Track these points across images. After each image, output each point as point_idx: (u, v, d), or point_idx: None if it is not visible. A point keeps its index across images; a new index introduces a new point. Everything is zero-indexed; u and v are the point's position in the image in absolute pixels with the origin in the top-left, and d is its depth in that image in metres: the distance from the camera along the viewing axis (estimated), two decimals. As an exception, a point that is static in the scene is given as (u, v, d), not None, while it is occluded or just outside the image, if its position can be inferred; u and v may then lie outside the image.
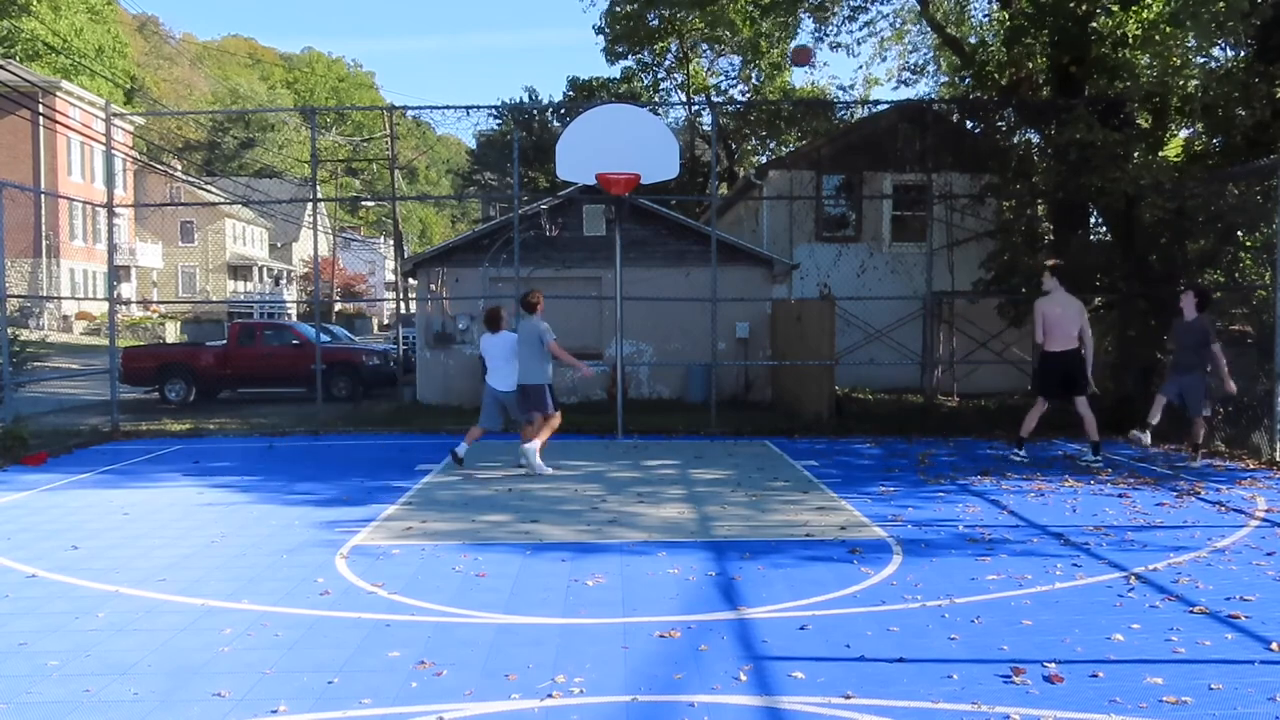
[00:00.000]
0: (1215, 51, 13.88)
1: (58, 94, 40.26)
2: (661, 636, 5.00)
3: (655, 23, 32.74)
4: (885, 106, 18.83)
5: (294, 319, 42.15)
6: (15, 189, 14.20)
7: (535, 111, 38.55)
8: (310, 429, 13.72)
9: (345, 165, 55.42)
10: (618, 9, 32.21)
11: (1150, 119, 14.51)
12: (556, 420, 10.16)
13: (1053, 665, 4.57)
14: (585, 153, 12.28)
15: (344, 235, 66.54)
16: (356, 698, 4.21)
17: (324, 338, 18.58)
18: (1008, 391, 17.31)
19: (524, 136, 32.14)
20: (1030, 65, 16.11)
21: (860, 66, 58.91)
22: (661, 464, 10.77)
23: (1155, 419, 10.37)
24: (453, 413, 15.33)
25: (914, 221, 18.92)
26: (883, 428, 13.44)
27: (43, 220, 40.04)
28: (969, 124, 17.96)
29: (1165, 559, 6.56)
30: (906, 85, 30.68)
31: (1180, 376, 10.30)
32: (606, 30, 34.98)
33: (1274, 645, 4.86)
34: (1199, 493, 8.97)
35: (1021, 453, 10.68)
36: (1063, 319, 10.23)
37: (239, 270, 63.13)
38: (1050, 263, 10.79)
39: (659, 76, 38.06)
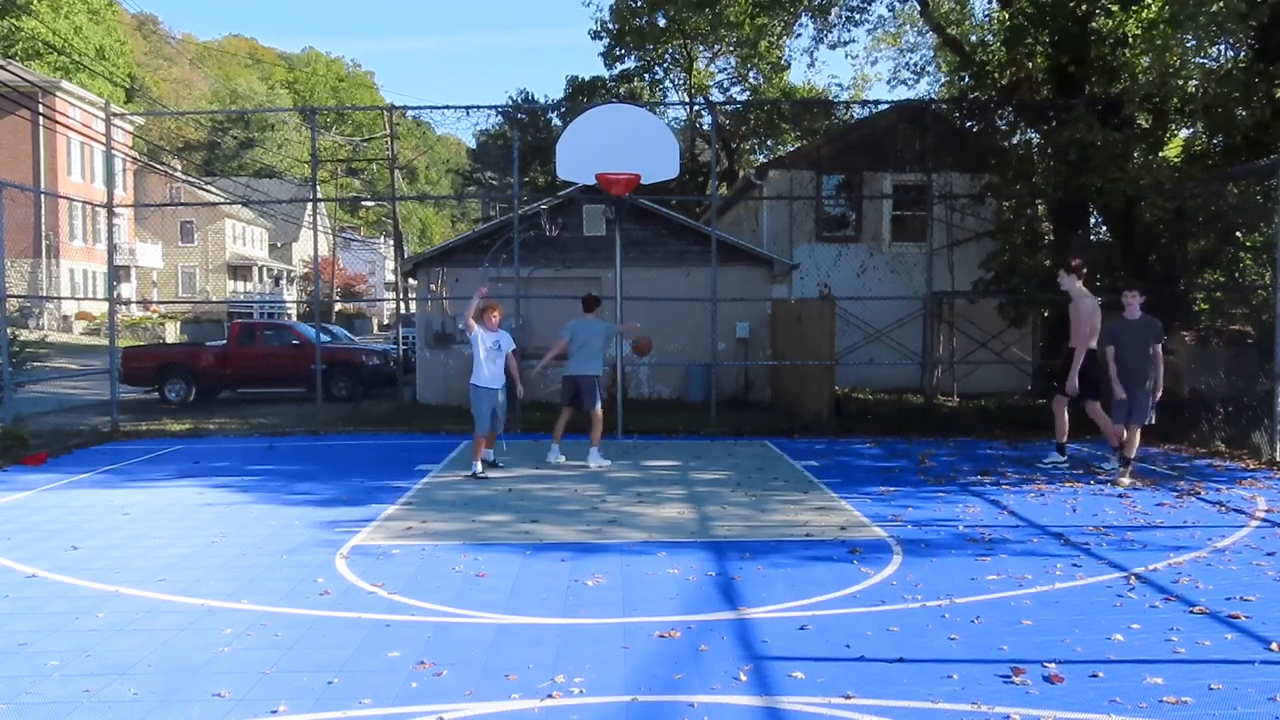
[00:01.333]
0: (1215, 51, 13.89)
1: (58, 94, 40.26)
2: (661, 636, 5.00)
3: (661, 22, 32.78)
4: (885, 106, 18.80)
5: (294, 319, 42.15)
6: (15, 189, 14.19)
7: (536, 112, 38.54)
8: (310, 429, 13.72)
9: (345, 165, 55.42)
10: (626, 4, 32.29)
11: (1150, 119, 14.52)
12: (601, 414, 10.81)
13: (1053, 665, 4.57)
14: (585, 153, 12.27)
15: (344, 235, 66.56)
16: (356, 698, 4.21)
17: (324, 338, 18.58)
18: (1008, 391, 17.31)
19: (523, 137, 32.12)
20: (1030, 65, 16.13)
21: (854, 67, 58.91)
22: (661, 464, 10.77)
23: (1132, 452, 9.54)
24: (453, 413, 15.31)
25: (914, 221, 18.92)
26: (883, 428, 13.44)
27: (43, 220, 40.04)
28: (969, 124, 17.97)
29: (1165, 559, 6.56)
30: (906, 85, 30.75)
31: (1129, 387, 9.33)
32: (603, 35, 35.04)
33: (1274, 645, 4.86)
34: (1199, 493, 8.97)
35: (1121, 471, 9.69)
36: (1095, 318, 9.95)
37: (239, 270, 63.12)
38: (1075, 263, 10.31)
39: (659, 77, 38.11)
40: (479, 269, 17.16)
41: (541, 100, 42.21)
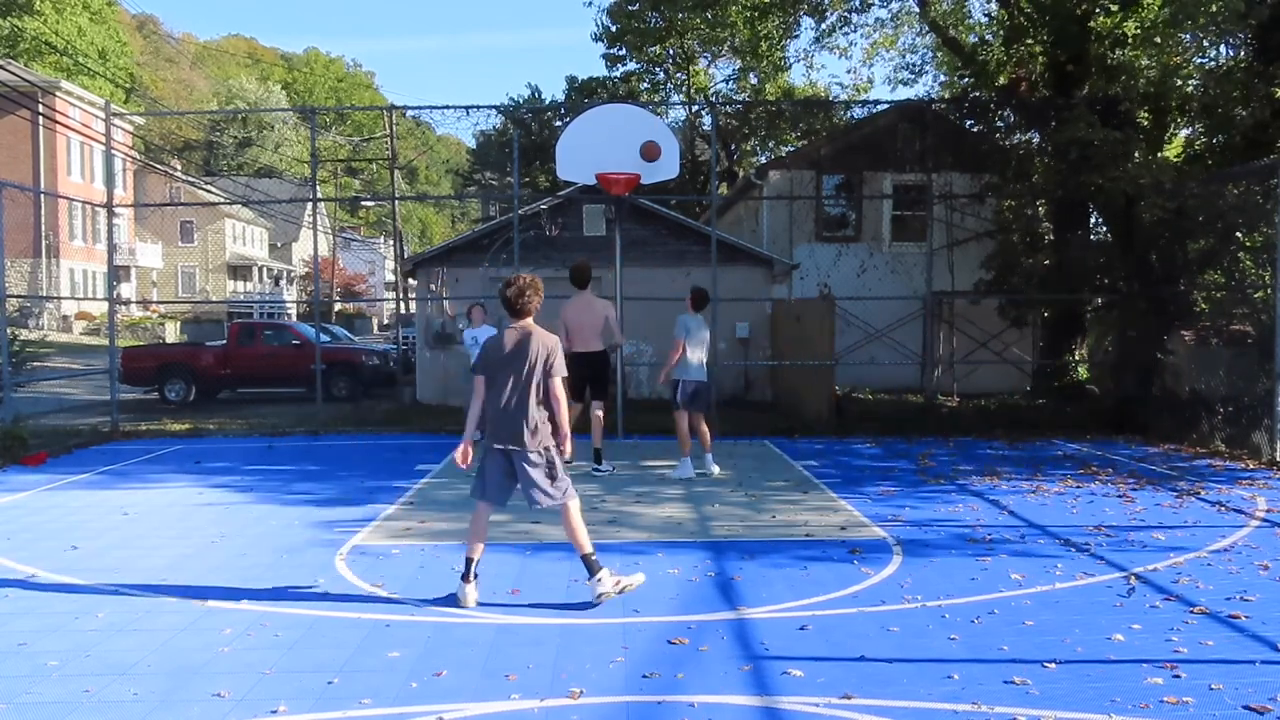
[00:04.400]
0: (1215, 52, 13.90)
1: (57, 94, 40.24)
2: (663, 638, 4.99)
3: (659, 23, 32.74)
4: (885, 106, 18.78)
5: (294, 319, 42.14)
6: (15, 189, 14.19)
7: (537, 111, 38.53)
8: (310, 429, 13.71)
9: (345, 165, 55.39)
10: (623, 8, 32.28)
11: (1150, 118, 14.51)
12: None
13: (1053, 665, 4.57)
14: (585, 153, 12.27)
15: (344, 235, 66.53)
16: (356, 698, 4.21)
17: (324, 338, 18.58)
18: (1008, 391, 17.31)
19: (524, 136, 32.13)
20: (1030, 65, 16.13)
21: (850, 70, 58.71)
22: (661, 464, 10.76)
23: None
24: (452, 413, 15.29)
25: (914, 221, 18.91)
26: (883, 428, 13.43)
27: (42, 220, 40.02)
28: (969, 124, 17.95)
29: (1165, 559, 6.56)
30: (905, 85, 30.74)
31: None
32: (604, 40, 35.02)
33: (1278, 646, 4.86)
34: (1199, 493, 8.97)
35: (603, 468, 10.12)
36: (586, 322, 9.93)
37: (239, 270, 63.12)
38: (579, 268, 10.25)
39: (659, 79, 38.08)
40: (479, 269, 17.16)
41: (544, 98, 42.20)
